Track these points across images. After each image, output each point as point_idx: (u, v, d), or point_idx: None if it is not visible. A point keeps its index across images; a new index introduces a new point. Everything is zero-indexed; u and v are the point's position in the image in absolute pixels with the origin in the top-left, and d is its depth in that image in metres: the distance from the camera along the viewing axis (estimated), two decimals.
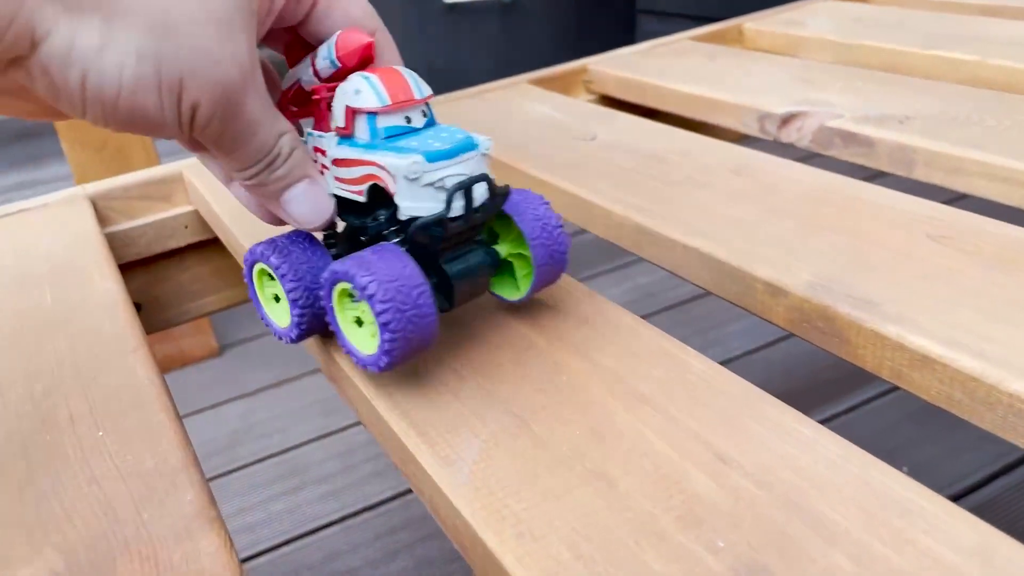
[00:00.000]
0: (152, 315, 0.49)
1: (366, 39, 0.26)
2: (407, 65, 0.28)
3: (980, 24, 0.56)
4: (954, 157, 0.37)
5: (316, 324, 0.27)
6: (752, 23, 0.63)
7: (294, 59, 0.28)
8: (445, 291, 0.26)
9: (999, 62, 0.48)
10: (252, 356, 1.15)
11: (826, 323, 0.27)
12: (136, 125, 0.22)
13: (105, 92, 0.21)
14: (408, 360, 0.25)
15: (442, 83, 1.43)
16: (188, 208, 0.46)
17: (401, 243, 0.26)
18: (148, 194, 0.46)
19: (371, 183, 0.25)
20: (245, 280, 0.29)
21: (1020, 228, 0.30)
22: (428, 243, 0.25)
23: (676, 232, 0.33)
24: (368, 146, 0.25)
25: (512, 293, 0.29)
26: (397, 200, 0.24)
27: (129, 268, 0.47)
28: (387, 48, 0.28)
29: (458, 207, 0.25)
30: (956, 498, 0.77)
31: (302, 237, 0.27)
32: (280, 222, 0.28)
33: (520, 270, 0.29)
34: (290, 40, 0.28)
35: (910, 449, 0.84)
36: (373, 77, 0.25)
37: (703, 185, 0.37)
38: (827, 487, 0.20)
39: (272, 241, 0.27)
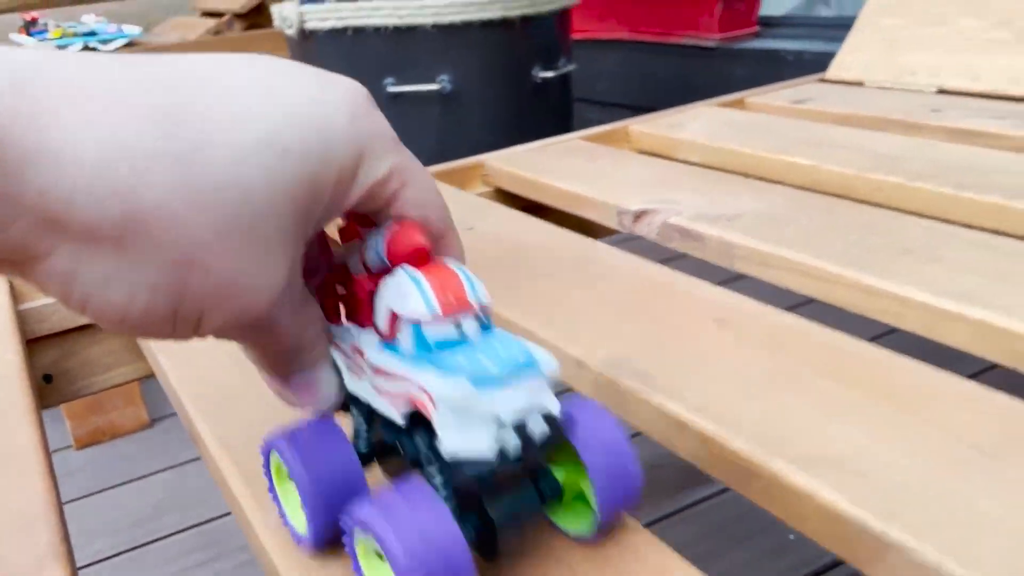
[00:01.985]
0: (63, 386, 0.52)
1: (420, 242, 0.22)
2: None
3: (831, 132, 0.63)
4: (762, 252, 0.42)
5: (335, 532, 0.23)
6: (638, 125, 0.70)
7: (348, 237, 0.25)
8: (486, 536, 0.23)
9: (832, 167, 0.54)
10: (182, 429, 1.17)
11: (615, 393, 0.32)
12: (139, 336, 0.21)
13: (107, 317, 0.19)
14: None
15: None
16: None
17: (439, 476, 0.22)
18: None
19: (412, 409, 0.22)
20: (263, 472, 0.25)
21: (791, 315, 0.36)
22: (476, 488, 0.22)
23: (514, 314, 0.38)
24: (411, 360, 0.22)
25: (576, 525, 0.24)
26: (438, 431, 0.20)
27: (41, 342, 0.50)
28: (451, 246, 0.25)
29: (512, 447, 0.21)
30: None
31: (326, 431, 0.24)
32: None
33: (584, 496, 0.24)
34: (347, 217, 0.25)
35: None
36: (423, 279, 0.22)
37: (548, 275, 0.42)
38: None
39: (293, 436, 0.23)
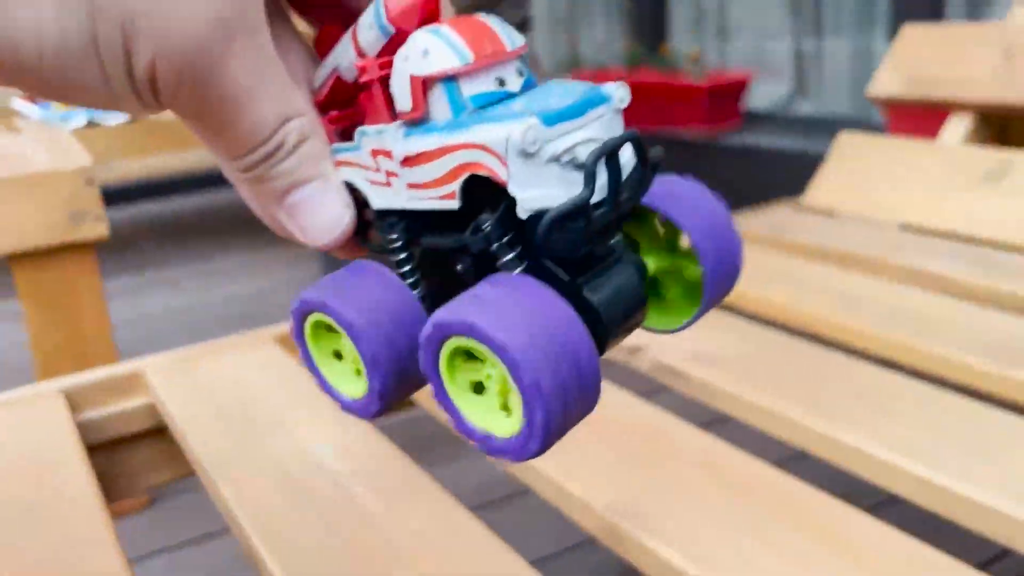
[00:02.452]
0: (110, 492, 0.57)
1: None
2: None
3: (805, 267, 0.70)
4: (742, 399, 0.49)
5: (404, 388, 0.20)
6: None
7: (325, 50, 0.22)
8: (589, 329, 0.18)
9: (803, 308, 0.61)
10: (182, 508, 1.21)
11: (614, 536, 0.38)
12: (79, 97, 0.18)
13: (23, 56, 0.17)
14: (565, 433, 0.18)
15: None
16: (146, 400, 0.56)
17: (518, 261, 0.19)
18: (113, 387, 0.56)
19: (466, 176, 0.18)
20: (295, 340, 0.22)
21: (763, 463, 0.42)
22: (566, 248, 0.18)
23: None
24: (453, 126, 0.18)
25: (665, 321, 0.22)
26: (512, 189, 0.18)
27: (93, 450, 0.55)
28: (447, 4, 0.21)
29: (601, 186, 0.18)
30: None
31: (367, 270, 0.21)
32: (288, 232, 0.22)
33: (669, 288, 0.22)
34: (323, 22, 0.22)
35: None
36: (443, 28, 0.18)
37: None
38: None
39: (330, 281, 0.21)
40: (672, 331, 0.22)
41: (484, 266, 0.20)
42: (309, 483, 0.43)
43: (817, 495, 0.39)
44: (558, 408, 0.17)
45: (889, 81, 0.91)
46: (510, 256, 0.19)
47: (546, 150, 0.17)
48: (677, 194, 0.21)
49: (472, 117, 0.18)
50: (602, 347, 0.20)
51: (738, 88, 1.94)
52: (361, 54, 0.20)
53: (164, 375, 0.55)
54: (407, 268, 0.21)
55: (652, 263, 0.22)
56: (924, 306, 0.60)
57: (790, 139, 1.81)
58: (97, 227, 0.97)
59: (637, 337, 0.57)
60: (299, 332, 0.22)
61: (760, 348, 0.55)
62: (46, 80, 0.17)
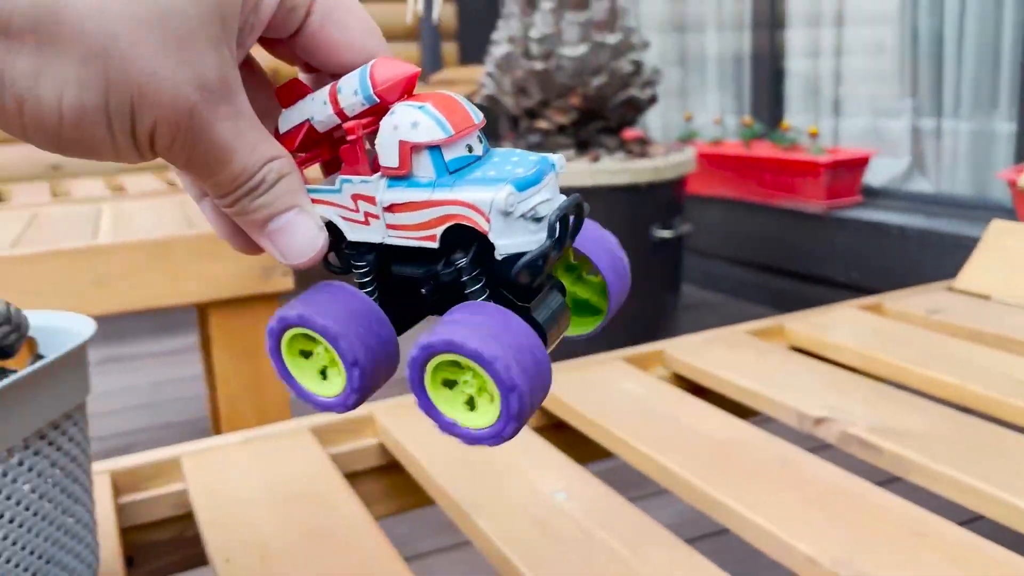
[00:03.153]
0: (140, 566, 0.55)
1: (410, 68, 0.24)
2: None
3: (966, 349, 0.74)
4: (933, 470, 0.53)
5: (375, 382, 0.25)
6: (792, 323, 0.82)
7: (289, 98, 0.26)
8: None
9: (975, 388, 0.65)
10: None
11: None
12: (88, 152, 0.21)
13: (45, 120, 0.20)
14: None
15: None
16: (376, 440, 0.63)
17: (483, 290, 0.24)
18: (350, 428, 0.64)
19: (449, 225, 0.23)
20: (270, 356, 0.26)
21: (962, 529, 0.46)
22: (529, 281, 0.24)
23: (728, 498, 0.49)
24: (436, 184, 0.23)
25: (579, 329, 0.28)
26: (493, 238, 0.23)
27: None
28: None
29: (558, 232, 0.23)
30: None
31: (332, 287, 0.25)
32: (258, 251, 0.26)
33: (576, 304, 0.28)
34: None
35: None
36: (428, 105, 0.23)
37: (757, 473, 0.53)
38: None
39: (303, 300, 0.25)
40: (586, 335, 0.28)
41: (445, 290, 0.25)
42: (554, 522, 0.49)
43: (1006, 552, 0.43)
44: (527, 399, 0.22)
45: None
46: (477, 287, 0.24)
47: (518, 209, 0.23)
48: (585, 233, 0.27)
49: (454, 178, 0.23)
50: (548, 342, 0.25)
51: (859, 165, 1.97)
52: (342, 114, 0.24)
53: (393, 417, 0.63)
54: (370, 288, 0.26)
55: (566, 285, 0.28)
56: None
57: (908, 216, 1.83)
58: (285, 280, 1.07)
59: (822, 410, 0.62)
60: (275, 348, 0.26)
61: (945, 425, 0.59)
62: (62, 138, 0.21)
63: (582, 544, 0.47)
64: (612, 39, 1.67)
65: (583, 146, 1.74)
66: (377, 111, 0.24)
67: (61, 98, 0.20)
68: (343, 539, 0.48)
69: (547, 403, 0.67)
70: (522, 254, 0.23)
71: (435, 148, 0.23)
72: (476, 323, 0.23)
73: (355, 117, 0.24)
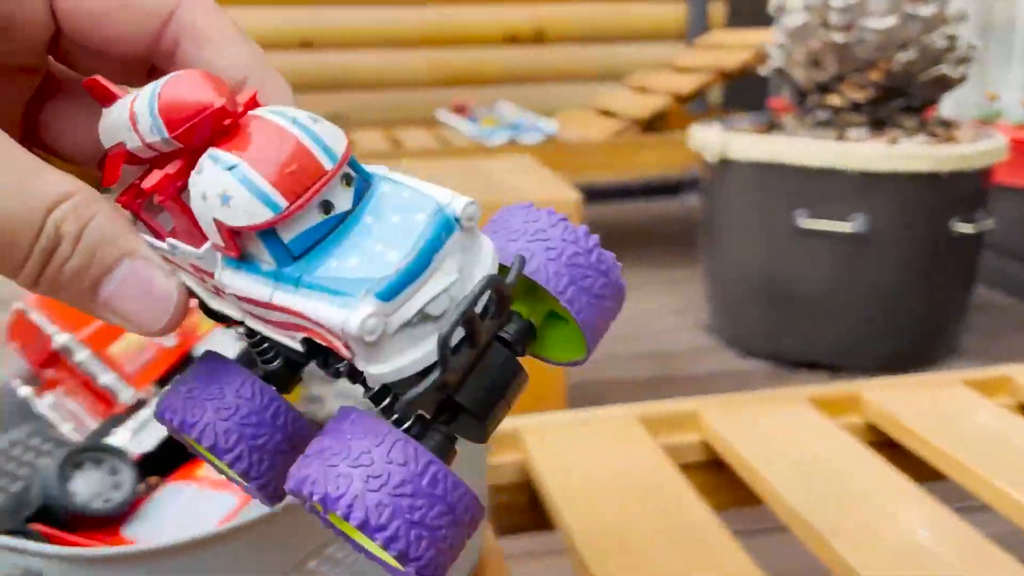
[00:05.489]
0: None
1: (206, 97, 0.16)
2: None
3: None
4: None
5: (282, 472, 0.19)
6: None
7: (103, 94, 0.19)
8: (469, 424, 0.18)
9: None
10: None
11: None
12: None
13: None
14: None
15: (782, 294, 1.55)
16: (700, 437, 0.62)
17: (377, 398, 0.18)
18: (675, 421, 0.63)
19: (305, 335, 0.17)
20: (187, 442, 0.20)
21: None
22: (430, 401, 0.18)
23: None
24: (279, 277, 0.16)
25: (566, 354, 0.20)
26: (360, 365, 0.17)
27: None
28: (270, 96, 0.19)
29: (457, 336, 0.17)
30: None
31: (217, 372, 0.19)
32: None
33: (562, 324, 0.20)
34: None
35: None
36: (242, 167, 0.16)
37: None
38: None
39: (183, 391, 0.19)
40: (579, 362, 0.20)
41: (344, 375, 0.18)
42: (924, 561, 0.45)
43: None
44: (410, 538, 0.16)
45: None
46: (371, 392, 0.18)
47: (392, 322, 0.16)
48: (545, 254, 0.19)
49: (303, 267, 0.16)
50: (489, 427, 0.18)
51: None
52: (143, 140, 0.17)
53: (718, 415, 0.61)
54: (260, 348, 0.20)
55: (541, 309, 0.20)
56: None
57: None
58: None
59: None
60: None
61: None
62: None
63: None
64: (925, 11, 1.52)
65: (878, 125, 1.61)
66: (191, 150, 0.17)
67: None
68: (691, 534, 0.48)
69: (880, 421, 0.62)
70: (412, 376, 0.16)
71: (266, 232, 0.16)
72: (329, 453, 0.17)
73: (164, 156, 0.17)
